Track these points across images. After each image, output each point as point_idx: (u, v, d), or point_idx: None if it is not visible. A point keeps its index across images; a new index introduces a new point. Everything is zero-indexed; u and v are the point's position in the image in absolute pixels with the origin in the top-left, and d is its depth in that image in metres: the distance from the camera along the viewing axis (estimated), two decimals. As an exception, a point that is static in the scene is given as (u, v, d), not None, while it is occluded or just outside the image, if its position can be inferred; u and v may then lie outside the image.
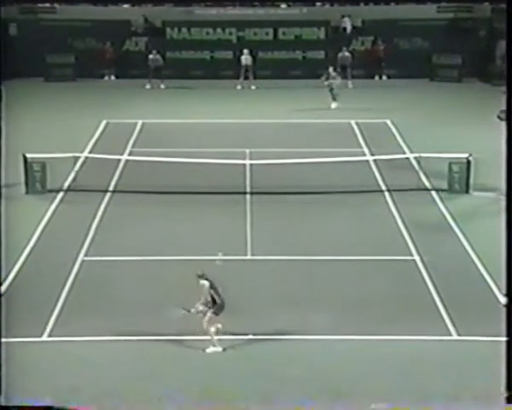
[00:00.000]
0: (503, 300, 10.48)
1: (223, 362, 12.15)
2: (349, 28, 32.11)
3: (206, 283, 12.45)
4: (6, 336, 12.32)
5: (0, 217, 15.70)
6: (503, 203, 18.51)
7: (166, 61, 31.12)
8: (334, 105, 27.09)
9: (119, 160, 20.94)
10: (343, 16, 32.06)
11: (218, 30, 32.08)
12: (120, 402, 10.97)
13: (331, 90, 27.16)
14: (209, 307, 12.43)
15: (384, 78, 31.93)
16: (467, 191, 19.12)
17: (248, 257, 15.83)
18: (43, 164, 19.13)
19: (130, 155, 22.01)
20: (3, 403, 9.90)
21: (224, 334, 12.79)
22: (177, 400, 11.03)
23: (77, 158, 20.20)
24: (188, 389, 11.36)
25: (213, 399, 11.09)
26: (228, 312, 13.56)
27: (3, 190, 18.86)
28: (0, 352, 10.03)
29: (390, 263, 15.60)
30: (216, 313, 12.47)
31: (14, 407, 10.17)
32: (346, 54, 31.04)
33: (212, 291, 12.46)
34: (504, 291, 9.62)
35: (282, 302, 13.99)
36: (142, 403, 11.06)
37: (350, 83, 30.79)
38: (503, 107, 21.74)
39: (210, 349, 12.48)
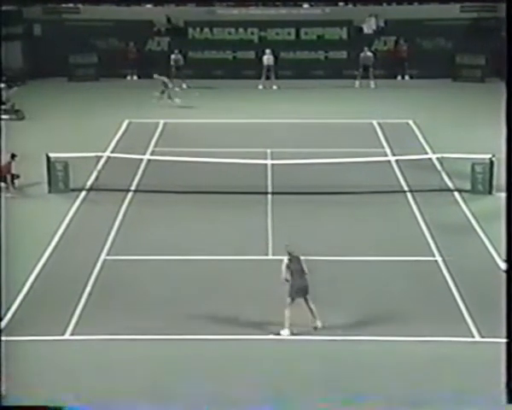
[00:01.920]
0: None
1: (238, 361, 12.16)
2: (373, 28, 31.93)
3: (283, 259, 12.84)
4: (28, 334, 12.46)
5: (0, 216, 15.83)
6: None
7: (188, 61, 31.17)
8: (177, 100, 27.09)
9: (142, 159, 21.01)
10: (370, 15, 31.86)
11: (240, 30, 32.08)
12: (140, 400, 11.01)
13: (167, 89, 27.09)
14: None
15: (406, 78, 31.76)
16: (490, 192, 19.00)
17: (270, 257, 15.81)
18: (65, 163, 19.25)
19: (152, 154, 22.07)
20: (18, 402, 9.96)
21: (243, 334, 12.82)
22: (193, 398, 11.07)
23: (99, 157, 20.25)
24: (205, 388, 11.38)
25: (229, 397, 11.13)
26: (249, 311, 13.61)
27: (28, 189, 19.06)
28: (0, 352, 10.08)
29: (412, 264, 15.55)
30: (290, 295, 12.71)
31: (22, 406, 10.21)
32: (368, 54, 30.90)
33: (287, 270, 12.79)
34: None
35: (303, 302, 13.96)
36: (163, 400, 11.09)
37: (372, 83, 30.67)
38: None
39: (282, 331, 12.71)
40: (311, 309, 12.85)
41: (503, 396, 9.43)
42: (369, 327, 13.12)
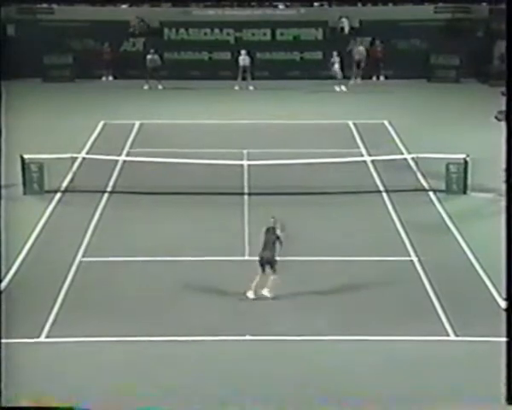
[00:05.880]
0: (503, 304, 10.54)
1: (222, 362, 12.16)
2: (347, 29, 32.09)
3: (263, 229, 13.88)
4: (4, 337, 12.35)
5: (0, 218, 15.72)
6: (501, 204, 18.69)
7: (164, 62, 31.14)
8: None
9: (117, 160, 20.96)
10: (340, 17, 32.07)
11: (216, 30, 32.08)
12: (117, 402, 10.97)
13: None
14: None
15: (382, 78, 31.93)
16: (464, 192, 19.16)
17: (246, 258, 15.83)
18: (40, 165, 19.16)
19: (127, 155, 22.01)
20: (3, 404, 9.93)
21: (221, 335, 12.82)
22: (173, 400, 11.04)
23: (74, 159, 20.23)
24: (185, 390, 11.36)
25: (211, 399, 11.10)
26: (225, 312, 13.59)
27: (2, 191, 18.87)
28: (0, 353, 10.05)
29: (388, 264, 15.64)
30: (259, 262, 13.72)
31: (14, 407, 10.19)
32: (361, 48, 31.00)
33: (264, 237, 13.75)
34: (504, 295, 9.64)
35: (280, 303, 14.01)
36: (139, 403, 11.07)
37: (359, 80, 30.81)
38: (501, 107, 21.88)
39: (247, 293, 13.82)
40: (269, 278, 13.80)
41: (503, 397, 9.47)
42: (345, 327, 13.18)
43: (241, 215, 17.98)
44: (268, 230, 13.96)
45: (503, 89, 23.05)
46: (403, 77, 30.92)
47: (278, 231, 13.89)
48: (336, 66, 29.82)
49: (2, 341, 12.11)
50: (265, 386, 11.47)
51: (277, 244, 13.91)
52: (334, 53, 30.12)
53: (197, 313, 13.57)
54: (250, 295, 13.85)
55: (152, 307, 13.81)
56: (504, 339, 11.73)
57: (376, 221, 17.76)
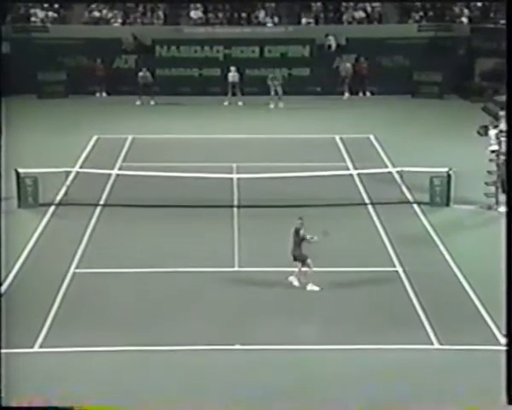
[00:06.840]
0: (503, 340, 10.85)
1: (210, 372, 12.36)
2: (334, 46, 32.60)
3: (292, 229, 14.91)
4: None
5: (0, 228, 15.95)
6: (483, 216, 19.21)
7: (156, 78, 31.52)
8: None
9: (110, 174, 21.21)
10: (327, 35, 32.59)
11: (206, 48, 32.41)
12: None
13: None
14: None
15: (368, 94, 32.40)
16: (447, 204, 19.48)
17: (236, 269, 16.11)
18: (35, 179, 19.36)
19: (120, 169, 22.19)
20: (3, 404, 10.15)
21: (211, 344, 13.10)
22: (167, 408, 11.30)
23: (68, 173, 20.43)
24: (176, 400, 11.53)
25: (205, 406, 11.30)
26: (215, 322, 13.86)
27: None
28: (0, 356, 10.25)
29: (373, 274, 15.88)
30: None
31: (14, 407, 10.42)
32: (348, 65, 31.53)
33: (293, 238, 14.86)
34: (504, 331, 9.91)
35: (269, 313, 14.28)
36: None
37: (347, 95, 31.36)
38: (483, 122, 22.46)
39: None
40: (306, 274, 15.07)
41: (504, 398, 9.64)
42: (329, 336, 13.41)
43: (231, 227, 18.23)
44: (295, 230, 14.98)
45: (483, 104, 23.62)
46: (387, 93, 31.26)
47: (302, 232, 14.85)
48: (277, 83, 30.20)
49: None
50: (253, 395, 11.59)
51: (303, 244, 14.91)
52: (277, 71, 30.66)
53: (188, 323, 13.79)
54: (291, 278, 15.11)
55: (144, 318, 14.03)
56: (491, 347, 12.26)
57: (362, 233, 18.00)
